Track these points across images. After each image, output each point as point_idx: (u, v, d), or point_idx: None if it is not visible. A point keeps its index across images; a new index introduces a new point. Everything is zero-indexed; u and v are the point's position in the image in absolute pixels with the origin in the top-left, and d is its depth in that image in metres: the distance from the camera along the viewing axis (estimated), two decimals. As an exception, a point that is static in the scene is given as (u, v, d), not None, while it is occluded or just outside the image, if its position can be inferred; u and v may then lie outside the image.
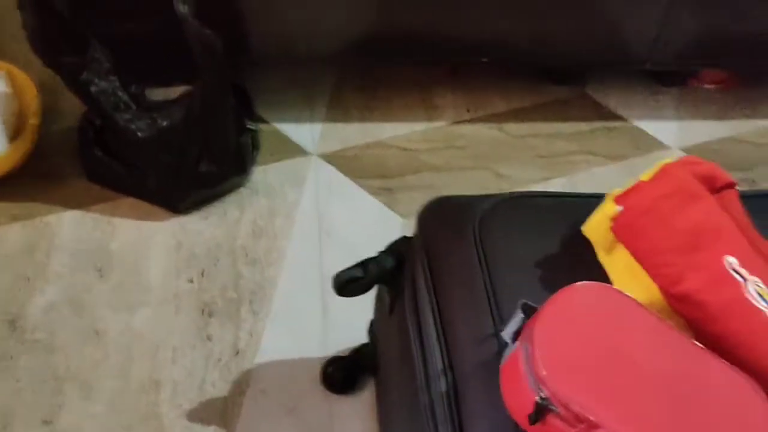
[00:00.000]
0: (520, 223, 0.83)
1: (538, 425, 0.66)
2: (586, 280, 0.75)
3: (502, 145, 1.43)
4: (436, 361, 0.78)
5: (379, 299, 1.01)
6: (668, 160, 0.78)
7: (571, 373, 0.63)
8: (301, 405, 1.10)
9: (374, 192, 1.35)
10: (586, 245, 0.79)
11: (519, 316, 0.71)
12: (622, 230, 0.76)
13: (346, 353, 1.14)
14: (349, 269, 0.90)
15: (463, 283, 0.80)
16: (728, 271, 0.72)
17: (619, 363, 0.64)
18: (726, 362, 0.66)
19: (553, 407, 0.64)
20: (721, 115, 1.55)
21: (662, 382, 0.64)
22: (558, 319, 0.66)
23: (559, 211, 0.85)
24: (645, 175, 0.78)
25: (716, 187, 0.78)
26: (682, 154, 1.46)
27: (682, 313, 0.73)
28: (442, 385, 0.76)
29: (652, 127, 1.51)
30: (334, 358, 1.15)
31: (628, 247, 0.77)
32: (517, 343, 0.70)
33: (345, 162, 1.39)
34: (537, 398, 0.65)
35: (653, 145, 1.48)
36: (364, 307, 1.02)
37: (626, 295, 0.68)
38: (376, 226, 1.31)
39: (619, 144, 1.47)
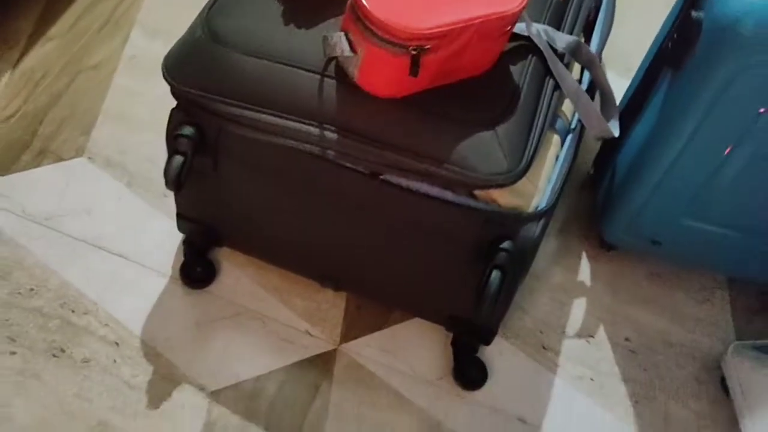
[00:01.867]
0: (243, 11, 0.94)
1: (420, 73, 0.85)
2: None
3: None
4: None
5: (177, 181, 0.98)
6: None
7: (417, 12, 0.81)
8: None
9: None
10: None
11: (336, 36, 0.87)
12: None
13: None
14: (170, 162, 0.93)
15: (267, 76, 0.91)
16: None
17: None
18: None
19: (426, 47, 0.84)
20: None
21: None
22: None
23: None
24: None
25: None
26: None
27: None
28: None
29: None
30: (181, 266, 1.16)
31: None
32: (359, 48, 0.86)
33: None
34: (411, 53, 0.85)
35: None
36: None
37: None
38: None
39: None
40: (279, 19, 0.94)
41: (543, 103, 0.96)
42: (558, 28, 1.03)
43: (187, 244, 1.17)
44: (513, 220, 0.93)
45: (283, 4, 0.95)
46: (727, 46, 0.85)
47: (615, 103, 1.06)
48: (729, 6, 0.84)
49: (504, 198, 0.92)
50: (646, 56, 1.10)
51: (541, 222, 0.96)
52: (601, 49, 1.14)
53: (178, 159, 0.94)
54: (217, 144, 0.97)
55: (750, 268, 1.16)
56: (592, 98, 1.12)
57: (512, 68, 0.95)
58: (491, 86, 0.93)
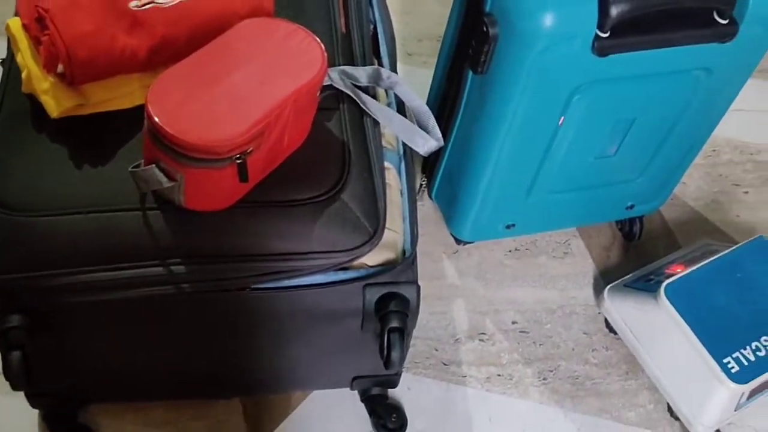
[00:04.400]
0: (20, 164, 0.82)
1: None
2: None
3: None
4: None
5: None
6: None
7: (225, 116, 0.74)
8: None
9: None
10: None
11: (147, 170, 0.77)
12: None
13: None
14: (9, 361, 0.81)
15: (85, 230, 0.80)
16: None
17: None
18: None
19: (249, 150, 0.77)
20: None
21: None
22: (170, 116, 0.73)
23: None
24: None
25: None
26: None
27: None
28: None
29: None
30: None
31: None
32: (178, 174, 0.77)
33: None
34: (236, 162, 0.77)
35: None
36: None
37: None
38: None
39: None
40: (67, 163, 0.82)
41: (371, 146, 0.92)
42: (352, 61, 1.00)
43: (49, 419, 1.03)
44: (389, 276, 0.89)
45: (59, 143, 0.83)
46: (528, 42, 0.85)
47: (430, 114, 1.05)
48: (523, 5, 0.84)
49: (372, 258, 0.89)
50: (441, 55, 1.09)
51: (414, 263, 0.94)
52: (394, 63, 1.12)
53: (17, 355, 0.82)
54: (56, 319, 0.85)
55: (595, 216, 1.22)
56: (405, 115, 1.10)
57: (330, 125, 0.91)
58: (318, 153, 0.88)
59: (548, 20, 0.82)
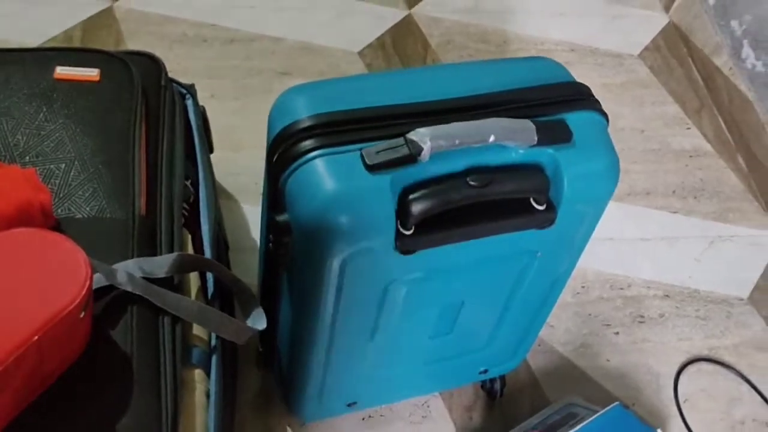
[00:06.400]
0: None
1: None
2: None
3: None
4: None
5: None
6: None
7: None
8: None
9: None
10: None
11: None
12: None
13: None
14: None
15: None
16: None
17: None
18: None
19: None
20: None
21: None
22: None
23: None
24: None
25: None
26: None
27: None
28: None
29: None
30: None
31: None
32: None
33: None
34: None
35: None
36: None
37: None
38: None
39: None
40: None
41: (165, 352, 0.82)
42: (154, 249, 0.90)
43: None
44: None
45: None
46: (323, 242, 0.77)
47: (251, 295, 0.96)
48: (310, 203, 0.76)
49: (164, 488, 0.78)
50: (261, 238, 1.00)
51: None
52: (216, 233, 1.03)
53: None
54: None
55: (445, 383, 1.13)
56: (226, 294, 1.01)
57: (114, 335, 0.80)
58: (90, 377, 0.77)
59: (342, 227, 0.74)
